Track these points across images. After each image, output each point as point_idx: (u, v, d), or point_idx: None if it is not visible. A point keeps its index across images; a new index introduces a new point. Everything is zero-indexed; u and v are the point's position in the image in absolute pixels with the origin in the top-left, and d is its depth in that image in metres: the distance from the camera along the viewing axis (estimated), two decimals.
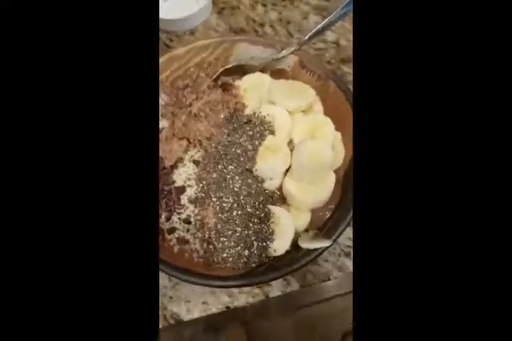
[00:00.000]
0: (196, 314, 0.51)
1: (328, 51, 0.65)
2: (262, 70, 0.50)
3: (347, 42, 0.66)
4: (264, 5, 0.70)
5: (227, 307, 0.52)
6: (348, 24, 0.67)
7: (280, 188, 0.45)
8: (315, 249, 0.40)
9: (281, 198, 0.45)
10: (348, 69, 0.63)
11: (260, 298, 0.52)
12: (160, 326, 0.50)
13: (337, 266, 0.52)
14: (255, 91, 0.47)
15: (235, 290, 0.51)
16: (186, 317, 0.51)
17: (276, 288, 0.52)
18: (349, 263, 0.52)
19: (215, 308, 0.51)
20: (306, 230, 0.44)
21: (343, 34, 0.67)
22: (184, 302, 0.51)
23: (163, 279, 0.50)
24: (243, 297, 0.52)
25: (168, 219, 0.44)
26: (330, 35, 0.67)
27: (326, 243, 0.39)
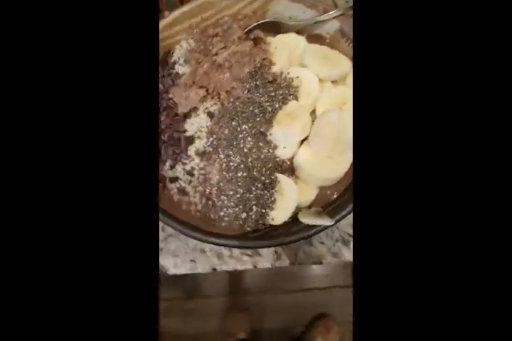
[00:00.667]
0: (182, 270, 0.51)
1: None
2: (299, 32, 0.47)
3: None
4: None
5: (214, 270, 0.51)
6: None
7: (291, 159, 0.43)
8: (314, 226, 0.38)
9: (290, 169, 0.43)
10: None
11: (247, 267, 0.51)
12: None
13: (332, 251, 0.51)
14: (287, 51, 0.44)
15: (225, 252, 0.51)
16: (172, 271, 0.50)
17: (265, 260, 0.51)
18: (345, 251, 0.50)
19: (201, 268, 0.51)
20: (309, 206, 0.42)
21: None
22: (172, 256, 0.50)
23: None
24: (232, 262, 0.51)
25: (172, 167, 0.42)
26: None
27: (327, 221, 0.37)
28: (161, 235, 0.50)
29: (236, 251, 0.51)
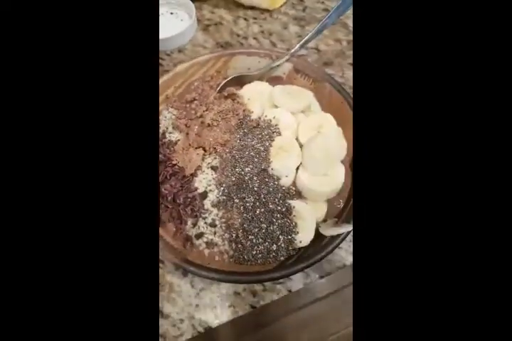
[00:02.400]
0: (224, 318, 0.52)
1: (310, 56, 0.70)
2: (260, 79, 0.54)
3: (326, 46, 0.71)
4: (246, 19, 0.75)
5: (253, 307, 0.54)
6: (325, 31, 0.73)
7: (294, 184, 0.48)
8: (338, 235, 0.43)
9: (297, 193, 0.48)
10: (332, 72, 0.68)
11: (284, 294, 0.54)
12: (189, 335, 0.51)
13: (350, 251, 0.55)
14: (258, 99, 0.51)
15: (258, 288, 0.53)
16: (214, 323, 0.52)
17: (297, 281, 0.54)
18: None
19: (241, 310, 0.53)
20: (325, 220, 0.47)
21: (321, 39, 0.72)
22: (210, 308, 0.52)
23: (187, 287, 0.52)
24: (268, 295, 0.54)
25: (194, 225, 0.46)
26: (310, 42, 0.72)
27: (347, 228, 0.42)
28: (192, 292, 0.52)
29: (268, 284, 0.53)
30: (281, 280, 0.54)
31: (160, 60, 0.70)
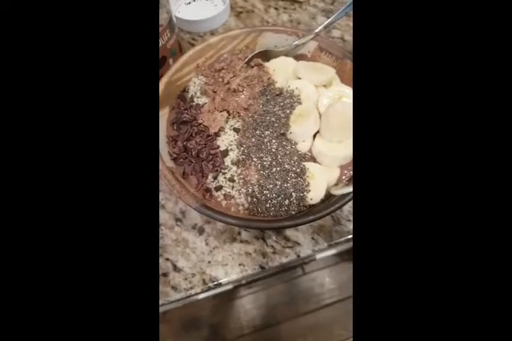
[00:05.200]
0: (234, 276, 0.55)
1: None
2: (286, 55, 0.58)
3: (350, 37, 0.75)
4: (276, 8, 0.80)
5: (262, 268, 0.56)
6: (350, 22, 0.77)
7: (310, 150, 0.51)
8: (347, 194, 0.45)
9: (312, 158, 0.51)
10: None
11: (293, 258, 0.57)
12: (199, 289, 0.54)
13: None
14: (283, 70, 0.55)
15: (268, 250, 0.56)
16: (224, 279, 0.55)
17: (306, 248, 0.57)
18: None
19: (250, 269, 0.56)
20: (336, 184, 0.50)
21: (347, 31, 0.76)
22: (222, 265, 0.55)
23: (202, 245, 0.55)
24: (277, 257, 0.56)
25: (214, 178, 0.49)
26: (335, 32, 0.76)
27: None
28: (206, 249, 0.55)
29: (278, 246, 0.56)
30: (290, 244, 0.57)
31: (192, 41, 0.75)
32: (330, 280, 1.50)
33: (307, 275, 1.51)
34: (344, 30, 0.76)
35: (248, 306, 1.43)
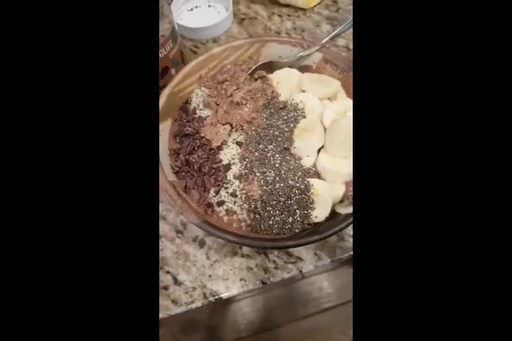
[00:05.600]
0: (235, 291, 0.54)
1: None
2: (290, 66, 0.57)
3: None
4: (280, 16, 0.79)
5: (264, 283, 0.56)
6: None
7: (315, 165, 0.50)
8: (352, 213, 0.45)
9: (316, 173, 0.50)
10: None
11: (294, 273, 0.56)
12: (200, 303, 0.54)
13: None
14: (287, 83, 0.54)
15: (270, 266, 0.56)
16: (225, 294, 0.55)
17: (308, 263, 0.56)
18: None
19: (252, 285, 0.55)
20: (341, 201, 0.49)
21: (351, 39, 0.75)
22: (222, 280, 0.54)
23: (202, 258, 0.54)
24: (278, 273, 0.56)
25: (216, 193, 0.49)
26: (341, 41, 0.75)
27: None
28: (207, 262, 0.54)
29: (280, 262, 0.56)
30: (292, 260, 0.56)
31: (195, 48, 0.74)
32: (328, 285, 1.49)
33: (306, 279, 1.50)
34: (349, 39, 0.75)
35: (246, 309, 1.43)
